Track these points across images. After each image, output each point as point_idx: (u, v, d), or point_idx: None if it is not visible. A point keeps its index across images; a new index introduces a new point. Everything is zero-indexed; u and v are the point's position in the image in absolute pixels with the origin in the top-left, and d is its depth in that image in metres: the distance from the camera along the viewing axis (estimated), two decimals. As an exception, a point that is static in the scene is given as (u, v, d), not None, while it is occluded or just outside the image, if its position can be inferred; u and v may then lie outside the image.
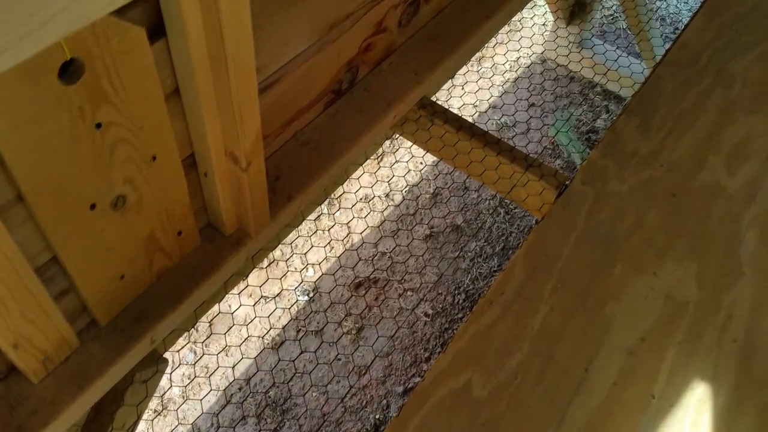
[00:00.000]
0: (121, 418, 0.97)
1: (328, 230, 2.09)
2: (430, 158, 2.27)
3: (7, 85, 0.57)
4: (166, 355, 1.05)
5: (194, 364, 1.83)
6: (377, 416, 1.77)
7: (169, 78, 0.75)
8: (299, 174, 1.08)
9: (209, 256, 0.98)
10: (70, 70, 0.62)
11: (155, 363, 1.00)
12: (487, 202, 2.22)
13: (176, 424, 1.72)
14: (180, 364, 1.82)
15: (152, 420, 1.71)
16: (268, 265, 2.00)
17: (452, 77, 2.18)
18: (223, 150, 0.86)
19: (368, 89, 1.22)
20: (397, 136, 1.65)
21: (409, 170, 2.25)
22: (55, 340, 0.82)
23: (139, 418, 1.00)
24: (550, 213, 1.14)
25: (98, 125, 0.68)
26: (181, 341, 1.45)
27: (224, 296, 1.11)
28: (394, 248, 2.07)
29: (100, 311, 0.87)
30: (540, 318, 1.00)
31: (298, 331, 1.89)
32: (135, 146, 0.74)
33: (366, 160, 1.40)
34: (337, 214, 2.12)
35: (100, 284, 0.84)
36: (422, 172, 2.26)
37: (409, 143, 1.84)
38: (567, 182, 1.19)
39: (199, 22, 0.68)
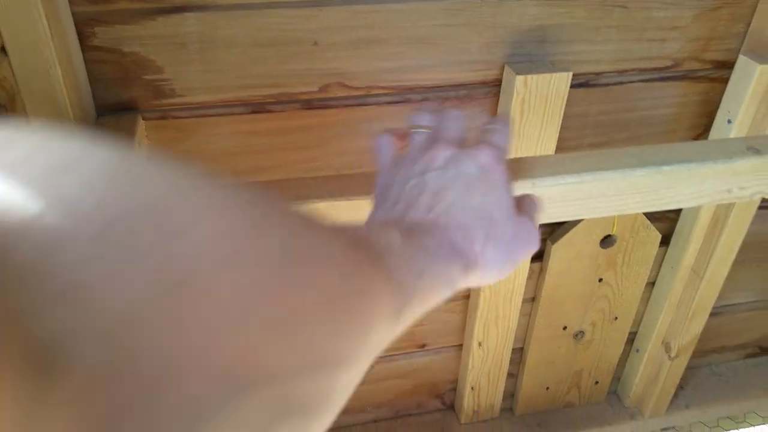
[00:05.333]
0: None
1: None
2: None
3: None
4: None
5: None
6: None
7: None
8: (705, 395, 1.25)
9: (604, 415, 1.22)
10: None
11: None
12: None
13: None
14: None
15: None
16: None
17: None
18: (662, 338, 1.11)
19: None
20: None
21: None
22: (488, 403, 1.15)
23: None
24: None
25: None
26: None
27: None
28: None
29: (521, 406, 1.18)
30: None
31: None
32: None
33: None
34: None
35: (533, 389, 1.16)
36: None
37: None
38: None
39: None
